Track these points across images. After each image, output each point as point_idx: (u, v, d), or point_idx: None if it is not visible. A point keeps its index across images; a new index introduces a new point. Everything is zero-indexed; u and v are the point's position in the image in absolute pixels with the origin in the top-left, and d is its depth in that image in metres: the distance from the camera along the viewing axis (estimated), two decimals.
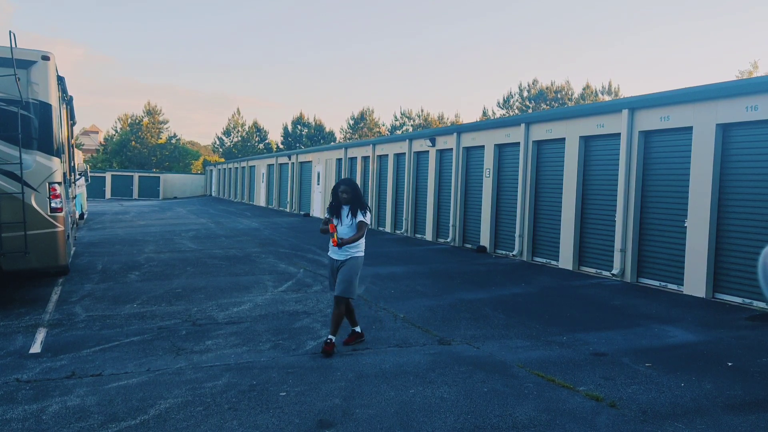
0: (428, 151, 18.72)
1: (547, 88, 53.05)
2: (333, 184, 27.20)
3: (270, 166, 37.37)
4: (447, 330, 7.39)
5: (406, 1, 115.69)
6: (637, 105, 11.21)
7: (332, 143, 54.16)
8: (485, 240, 15.68)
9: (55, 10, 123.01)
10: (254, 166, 41.46)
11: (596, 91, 52.04)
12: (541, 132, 13.77)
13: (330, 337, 6.37)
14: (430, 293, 9.77)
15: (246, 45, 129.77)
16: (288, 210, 32.63)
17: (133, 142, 63.08)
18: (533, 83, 53.93)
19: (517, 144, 14.50)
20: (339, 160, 26.35)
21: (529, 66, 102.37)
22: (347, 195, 6.42)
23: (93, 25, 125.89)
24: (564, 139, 13.05)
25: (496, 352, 6.46)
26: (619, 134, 11.60)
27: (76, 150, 17.44)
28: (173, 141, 66.68)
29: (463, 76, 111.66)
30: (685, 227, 10.19)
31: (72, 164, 13.12)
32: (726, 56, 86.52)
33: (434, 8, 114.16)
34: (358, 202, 6.46)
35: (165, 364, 5.93)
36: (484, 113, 56.31)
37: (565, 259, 12.81)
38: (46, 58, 8.82)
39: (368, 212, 6.49)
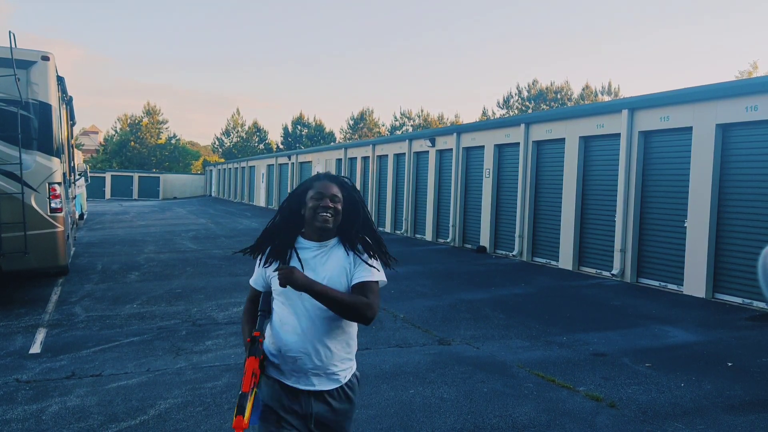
0: (428, 152, 18.72)
1: (546, 89, 53.06)
2: None
3: (270, 166, 37.37)
4: (447, 330, 7.39)
5: (406, 1, 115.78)
6: (636, 105, 11.22)
7: (332, 143, 54.19)
8: (485, 240, 15.68)
9: (53, 11, 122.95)
10: (254, 166, 41.46)
11: (596, 92, 52.05)
12: (541, 132, 13.77)
13: None
14: (430, 293, 9.77)
15: (246, 45, 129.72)
16: None
17: (133, 143, 63.07)
18: (533, 83, 53.93)
19: (517, 144, 14.50)
20: (339, 161, 26.35)
21: (529, 66, 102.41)
22: (335, 208, 2.59)
23: (92, 25, 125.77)
24: (564, 139, 13.05)
25: (496, 353, 6.46)
26: (619, 134, 11.60)
27: (75, 150, 17.44)
28: (173, 141, 66.66)
29: (463, 76, 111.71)
30: (685, 227, 10.19)
31: (72, 164, 13.12)
32: (726, 56, 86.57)
33: (434, 8, 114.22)
34: (361, 226, 2.67)
35: (165, 365, 5.92)
36: (484, 113, 56.34)
37: (565, 260, 12.81)
38: (45, 58, 8.82)
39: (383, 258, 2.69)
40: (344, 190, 2.64)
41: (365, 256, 2.59)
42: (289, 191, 32.53)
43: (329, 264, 2.56)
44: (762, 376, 5.73)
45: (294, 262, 2.56)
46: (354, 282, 2.54)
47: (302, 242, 2.62)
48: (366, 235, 2.65)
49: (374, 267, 2.58)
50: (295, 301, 2.55)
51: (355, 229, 2.63)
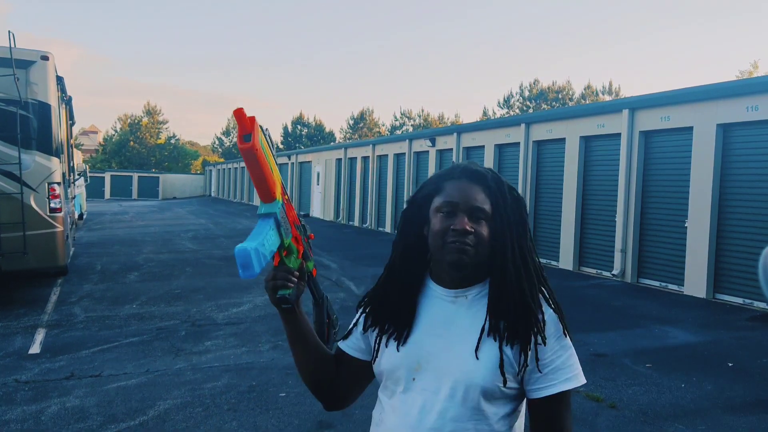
0: (428, 151, 18.71)
1: (547, 88, 53.05)
2: (333, 184, 27.44)
3: None
4: None
5: (406, 1, 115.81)
6: (637, 105, 11.21)
7: (332, 143, 54.18)
8: None
9: (52, 11, 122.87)
10: None
11: (597, 91, 52.04)
12: (542, 132, 13.76)
13: None
14: None
15: (246, 44, 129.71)
16: None
17: (132, 143, 63.05)
18: (534, 83, 53.92)
19: (518, 144, 14.49)
20: (339, 160, 26.34)
21: (530, 66, 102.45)
22: (478, 233, 1.38)
23: (91, 25, 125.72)
24: (564, 139, 13.04)
25: None
26: (619, 134, 11.59)
27: (75, 150, 17.43)
28: (172, 141, 66.64)
29: (463, 76, 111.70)
30: (686, 227, 10.18)
31: (71, 164, 13.11)
32: (726, 56, 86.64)
33: (434, 8, 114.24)
34: (523, 263, 1.50)
35: (164, 365, 5.91)
36: (484, 113, 56.30)
37: (566, 260, 12.80)
38: (45, 58, 8.81)
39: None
40: (493, 196, 1.42)
41: (555, 333, 1.45)
42: (289, 191, 32.55)
43: (472, 331, 1.40)
44: (762, 377, 5.72)
45: (420, 327, 1.45)
46: (546, 390, 1.37)
47: (431, 287, 1.49)
48: (533, 282, 1.54)
49: (571, 354, 1.42)
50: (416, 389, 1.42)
51: (516, 271, 1.46)
